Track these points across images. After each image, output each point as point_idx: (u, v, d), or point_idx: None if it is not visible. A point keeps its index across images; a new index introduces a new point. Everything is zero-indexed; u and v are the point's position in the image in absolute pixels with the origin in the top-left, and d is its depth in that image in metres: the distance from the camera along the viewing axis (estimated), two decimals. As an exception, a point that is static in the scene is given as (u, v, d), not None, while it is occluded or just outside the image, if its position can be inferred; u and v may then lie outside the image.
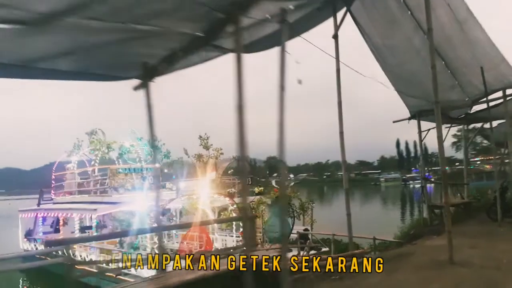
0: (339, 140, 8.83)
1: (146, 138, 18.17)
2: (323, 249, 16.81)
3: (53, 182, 20.72)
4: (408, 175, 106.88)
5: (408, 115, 12.46)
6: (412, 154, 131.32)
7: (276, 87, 3.97)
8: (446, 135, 12.35)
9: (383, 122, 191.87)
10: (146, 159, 17.73)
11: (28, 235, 20.60)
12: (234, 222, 15.02)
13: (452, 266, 6.38)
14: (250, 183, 19.03)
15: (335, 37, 8.89)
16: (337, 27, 8.87)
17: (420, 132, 12.32)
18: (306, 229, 17.30)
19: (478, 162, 57.53)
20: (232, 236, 16.31)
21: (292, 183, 19.93)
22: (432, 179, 15.74)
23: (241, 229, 15.03)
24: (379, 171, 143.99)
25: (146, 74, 5.59)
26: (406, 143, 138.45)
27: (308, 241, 16.23)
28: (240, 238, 14.75)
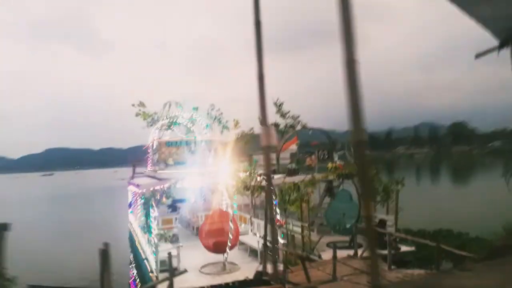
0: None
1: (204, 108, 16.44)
2: (404, 249, 12.25)
3: (148, 155, 21.21)
4: None
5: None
6: None
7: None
8: None
9: None
10: (203, 131, 15.99)
11: (129, 206, 21.83)
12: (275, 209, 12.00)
13: None
14: (326, 157, 15.24)
15: None
16: None
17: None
18: (381, 220, 12.80)
19: None
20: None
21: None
22: None
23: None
24: None
25: None
26: None
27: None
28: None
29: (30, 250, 24.14)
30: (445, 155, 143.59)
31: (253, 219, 14.24)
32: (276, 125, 17.91)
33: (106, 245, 5.27)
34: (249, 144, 17.38)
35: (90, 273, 16.27)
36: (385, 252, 11.44)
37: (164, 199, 11.91)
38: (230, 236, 11.20)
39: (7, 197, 73.97)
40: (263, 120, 5.39)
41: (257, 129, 18.45)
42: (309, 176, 13.05)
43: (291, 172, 14.20)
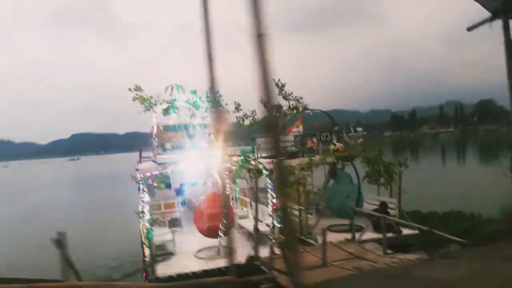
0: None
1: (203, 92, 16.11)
2: (406, 232, 11.84)
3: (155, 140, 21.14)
4: None
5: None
6: None
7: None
8: None
9: None
10: (202, 115, 15.68)
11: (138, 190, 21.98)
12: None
13: None
14: (328, 138, 14.75)
15: None
16: None
17: (508, 40, 6.37)
18: (383, 203, 12.36)
19: None
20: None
21: (360, 139, 14.44)
22: None
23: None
24: None
25: None
26: None
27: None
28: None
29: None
30: (471, 134, 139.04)
31: (252, 202, 14.03)
32: (279, 107, 17.48)
33: (61, 234, 5.13)
34: (252, 127, 17.07)
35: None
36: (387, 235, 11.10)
37: (154, 183, 11.79)
38: (223, 220, 11.01)
39: (41, 182, 76.70)
40: (214, 102, 5.09)
41: (260, 112, 18.10)
42: (306, 159, 12.67)
43: (290, 155, 13.86)
